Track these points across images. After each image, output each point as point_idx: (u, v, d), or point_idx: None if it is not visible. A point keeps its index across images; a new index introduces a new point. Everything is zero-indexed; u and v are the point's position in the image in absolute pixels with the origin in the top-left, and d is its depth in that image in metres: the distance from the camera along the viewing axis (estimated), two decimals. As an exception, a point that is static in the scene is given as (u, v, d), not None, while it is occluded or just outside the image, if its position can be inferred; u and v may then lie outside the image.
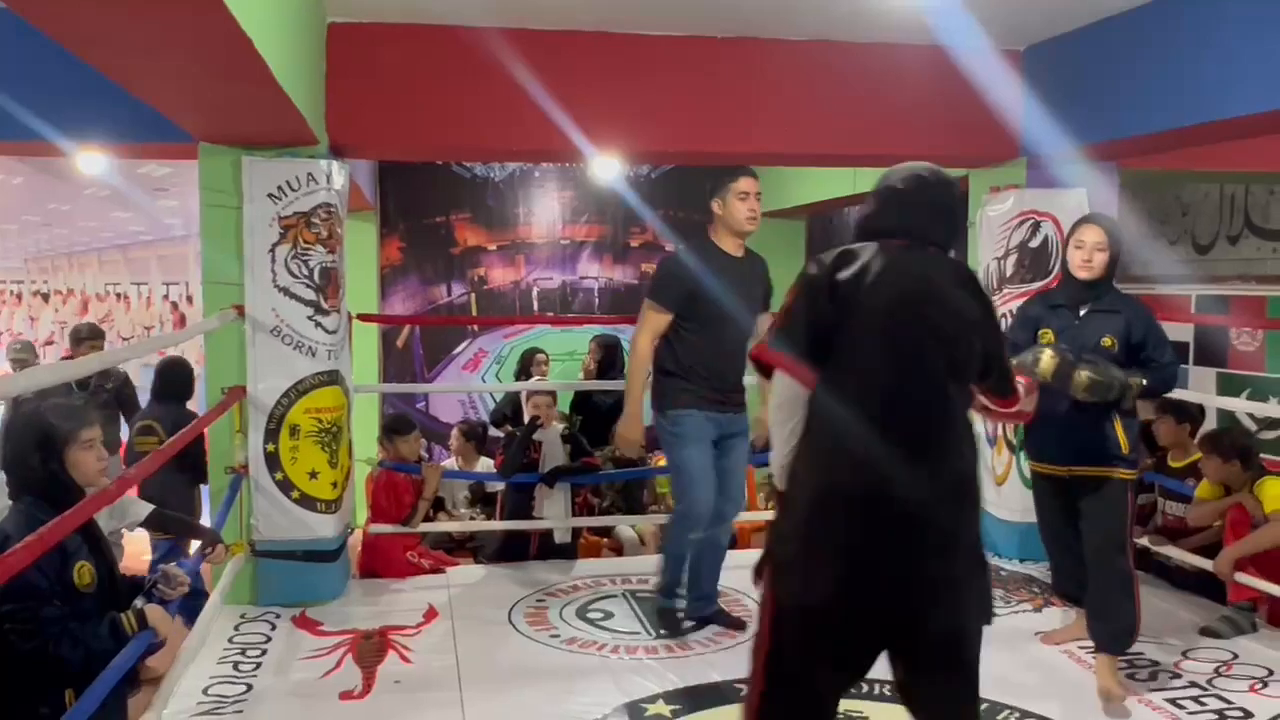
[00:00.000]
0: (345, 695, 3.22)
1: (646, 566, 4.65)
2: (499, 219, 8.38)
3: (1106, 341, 3.19)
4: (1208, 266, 7.41)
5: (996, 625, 3.82)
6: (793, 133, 4.58)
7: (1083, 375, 3.08)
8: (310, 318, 3.94)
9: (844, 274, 2.12)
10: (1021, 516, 4.57)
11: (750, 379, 3.67)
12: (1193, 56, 3.71)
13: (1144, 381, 3.16)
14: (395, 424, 4.88)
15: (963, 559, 2.12)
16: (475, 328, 8.44)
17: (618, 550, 5.29)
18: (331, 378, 4.01)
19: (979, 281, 2.29)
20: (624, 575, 4.49)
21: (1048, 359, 3.10)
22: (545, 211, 8.38)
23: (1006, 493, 4.63)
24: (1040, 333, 3.29)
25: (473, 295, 8.38)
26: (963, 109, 4.54)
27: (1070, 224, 4.52)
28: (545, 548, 4.71)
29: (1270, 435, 5.84)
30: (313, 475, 3.97)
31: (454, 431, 5.94)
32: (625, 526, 5.32)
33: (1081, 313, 3.27)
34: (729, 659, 3.51)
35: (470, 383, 8.37)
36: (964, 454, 2.15)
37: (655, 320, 3.55)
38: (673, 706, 3.15)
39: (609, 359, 6.26)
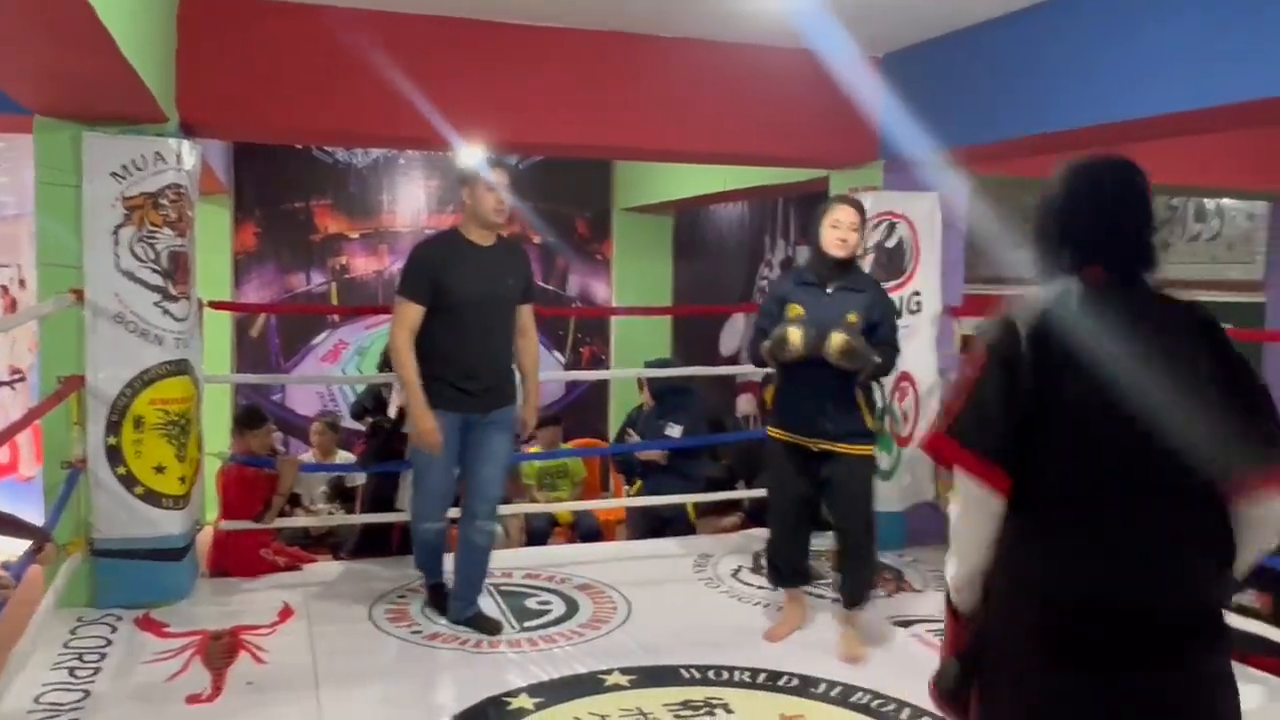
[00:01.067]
0: (193, 699, 3.08)
1: (511, 560, 4.63)
2: (361, 206, 8.17)
3: (851, 318, 3.35)
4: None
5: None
6: (660, 129, 4.61)
7: (837, 338, 3.26)
8: (157, 304, 3.75)
9: (1043, 339, 1.60)
10: (877, 505, 4.75)
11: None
12: (1040, 69, 3.92)
13: (878, 360, 3.36)
14: (247, 416, 4.70)
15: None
16: (336, 318, 8.20)
17: (491, 543, 5.22)
18: (180, 367, 3.82)
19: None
20: (492, 531, 4.42)
21: (794, 333, 3.30)
22: (410, 200, 8.21)
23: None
24: (789, 306, 3.43)
25: (333, 284, 8.14)
26: (825, 111, 4.67)
27: (925, 226, 4.79)
28: (407, 541, 4.62)
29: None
30: (159, 470, 3.78)
31: (314, 425, 5.75)
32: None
33: (829, 289, 3.43)
34: (592, 650, 3.53)
35: (330, 374, 8.13)
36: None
37: (408, 313, 3.44)
38: (536, 699, 3.14)
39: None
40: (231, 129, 4.91)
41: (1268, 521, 1.60)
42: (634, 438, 5.59)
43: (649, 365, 5.96)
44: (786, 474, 3.56)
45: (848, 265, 3.45)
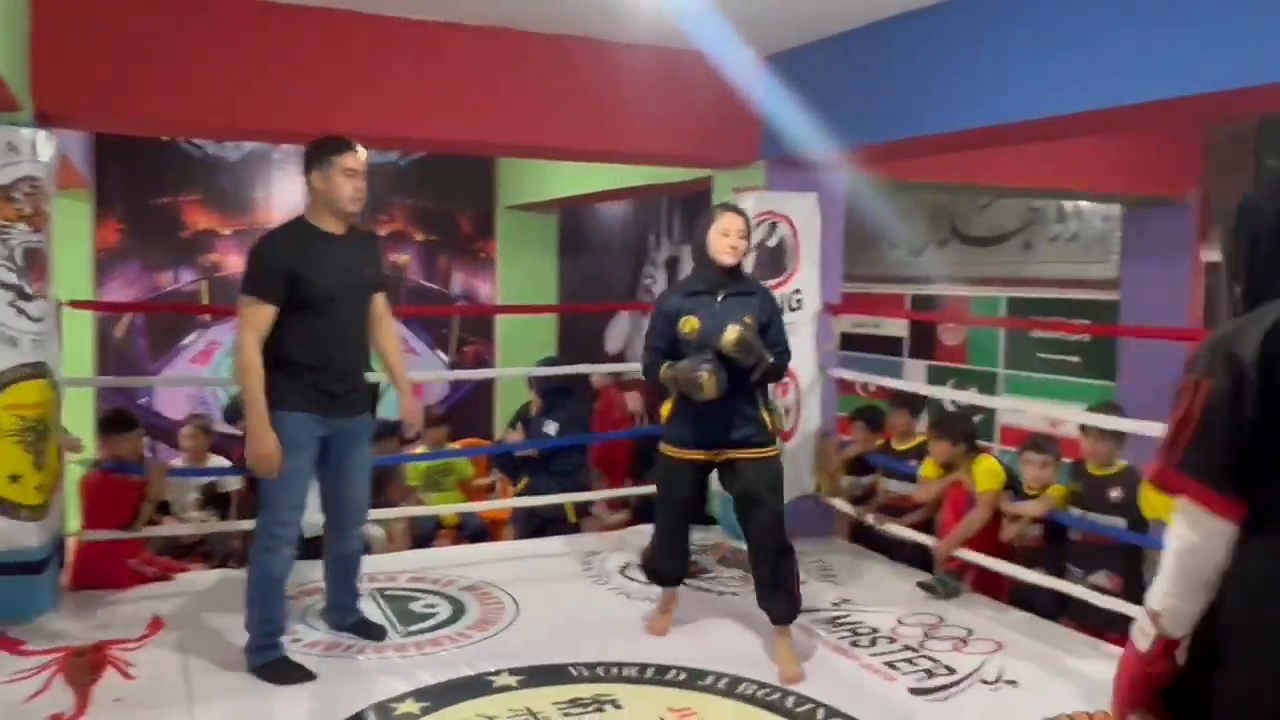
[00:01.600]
0: (55, 718, 2.92)
1: (396, 563, 4.54)
2: (234, 201, 7.87)
3: (748, 320, 3.33)
4: (919, 268, 8.15)
5: (732, 602, 4.02)
6: (539, 126, 4.58)
7: (732, 331, 3.22)
8: (12, 304, 3.53)
9: (1272, 362, 1.51)
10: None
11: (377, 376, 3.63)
12: (916, 74, 4.06)
13: (770, 359, 3.32)
14: (112, 421, 4.47)
15: None
16: (208, 318, 7.88)
17: (364, 548, 5.10)
18: (37, 370, 3.61)
19: None
20: (370, 574, 4.33)
21: (709, 381, 3.20)
22: (287, 195, 7.95)
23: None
24: (683, 320, 3.34)
25: (205, 283, 7.83)
26: (709, 111, 4.73)
27: (805, 225, 4.90)
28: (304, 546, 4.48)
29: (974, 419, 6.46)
30: (14, 479, 3.56)
31: (184, 429, 5.52)
32: (371, 524, 5.14)
33: (720, 297, 3.38)
34: (479, 652, 3.49)
35: (200, 376, 7.81)
36: None
37: (256, 315, 3.10)
38: (422, 704, 3.09)
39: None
40: (92, 119, 4.66)
41: None
42: (515, 435, 5.56)
43: (540, 364, 5.94)
44: (680, 488, 3.51)
45: (735, 271, 3.42)
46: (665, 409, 3.53)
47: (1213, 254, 6.17)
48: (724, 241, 3.36)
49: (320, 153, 3.21)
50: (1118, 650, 3.44)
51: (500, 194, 8.50)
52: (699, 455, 3.43)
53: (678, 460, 3.46)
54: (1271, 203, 1.63)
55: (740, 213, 3.43)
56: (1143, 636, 1.62)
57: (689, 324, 3.34)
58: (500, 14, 4.28)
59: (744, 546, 3.62)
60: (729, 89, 4.63)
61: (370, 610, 3.89)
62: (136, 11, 3.89)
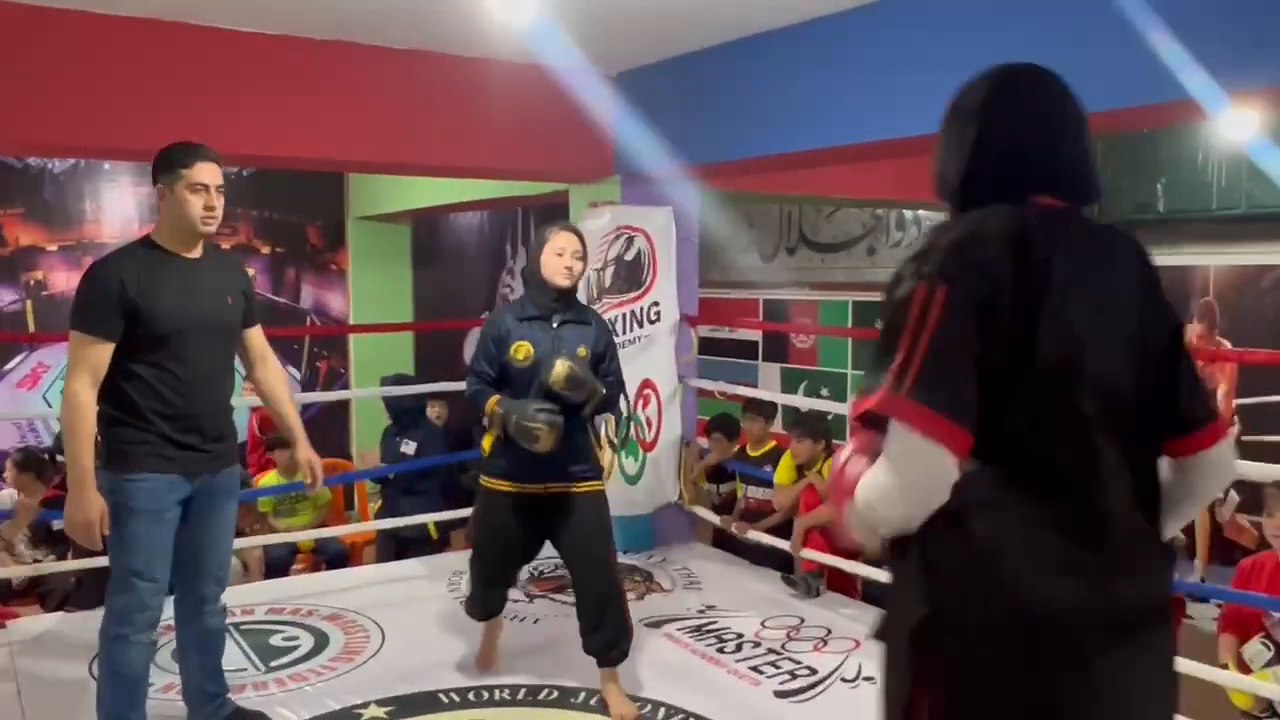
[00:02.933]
0: (-125, 792, 2.70)
1: (251, 595, 4.38)
2: (60, 215, 7.40)
3: (582, 352, 3.15)
4: (771, 273, 8.40)
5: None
6: (389, 141, 4.50)
7: (561, 366, 3.03)
8: None
9: (1003, 275, 1.33)
10: (624, 510, 4.90)
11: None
12: (758, 95, 4.19)
13: (603, 391, 3.14)
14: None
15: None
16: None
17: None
18: None
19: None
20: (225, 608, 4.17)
21: (547, 436, 3.01)
22: (119, 208, 7.53)
23: (611, 489, 4.90)
24: (515, 346, 3.14)
25: (29, 302, 7.33)
26: (561, 126, 4.75)
27: (661, 238, 4.98)
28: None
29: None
30: None
31: (8, 462, 5.16)
32: (225, 553, 4.94)
33: (555, 323, 3.18)
34: (345, 684, 3.41)
35: (26, 403, 7.31)
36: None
37: (89, 354, 2.62)
38: (287, 744, 3.00)
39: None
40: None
41: (1210, 474, 1.51)
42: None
43: (385, 382, 5.84)
44: (505, 527, 3.24)
45: (570, 295, 3.22)
46: (487, 441, 3.22)
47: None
48: (558, 262, 3.14)
49: (165, 163, 2.73)
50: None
51: (351, 204, 8.29)
52: (527, 489, 3.18)
53: (502, 494, 3.21)
54: (988, 96, 1.50)
55: (576, 232, 3.23)
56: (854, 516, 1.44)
57: (522, 350, 3.14)
58: (349, 29, 4.19)
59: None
60: (581, 105, 4.66)
61: (228, 648, 3.74)
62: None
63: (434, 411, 5.95)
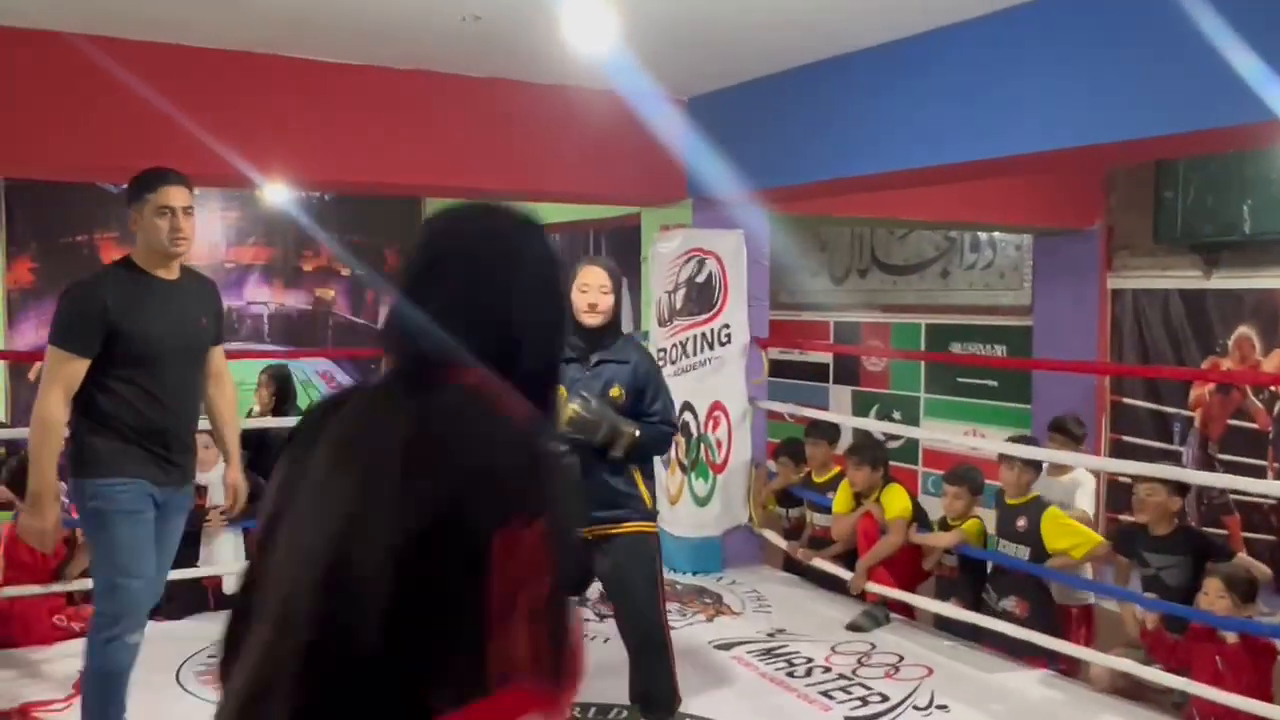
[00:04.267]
0: (-22, 787, 2.83)
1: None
2: (153, 239, 7.71)
3: (615, 392, 2.99)
4: (842, 296, 8.36)
5: (676, 636, 4.05)
6: (465, 167, 4.61)
7: (568, 409, 2.89)
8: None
9: None
10: (694, 532, 4.92)
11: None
12: (833, 118, 4.21)
13: (636, 433, 2.96)
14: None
15: None
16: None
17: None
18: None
19: None
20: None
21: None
22: (207, 231, 7.82)
23: (680, 511, 4.94)
24: None
25: (122, 322, 7.64)
26: (634, 152, 4.82)
27: (732, 261, 5.01)
28: (222, 597, 4.40)
29: (893, 446, 6.64)
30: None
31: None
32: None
33: (593, 362, 3.03)
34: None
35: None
36: None
37: (67, 370, 2.71)
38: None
39: (283, 391, 5.96)
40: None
41: None
42: None
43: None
44: None
45: (604, 332, 3.04)
46: None
47: (1119, 281, 6.46)
48: (581, 299, 2.98)
49: (135, 188, 2.83)
50: (1037, 672, 3.64)
51: (427, 228, 8.48)
52: None
53: None
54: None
55: (603, 265, 3.06)
56: None
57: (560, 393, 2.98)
58: (429, 59, 4.32)
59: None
60: (654, 130, 4.72)
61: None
62: (38, 61, 3.82)
63: None
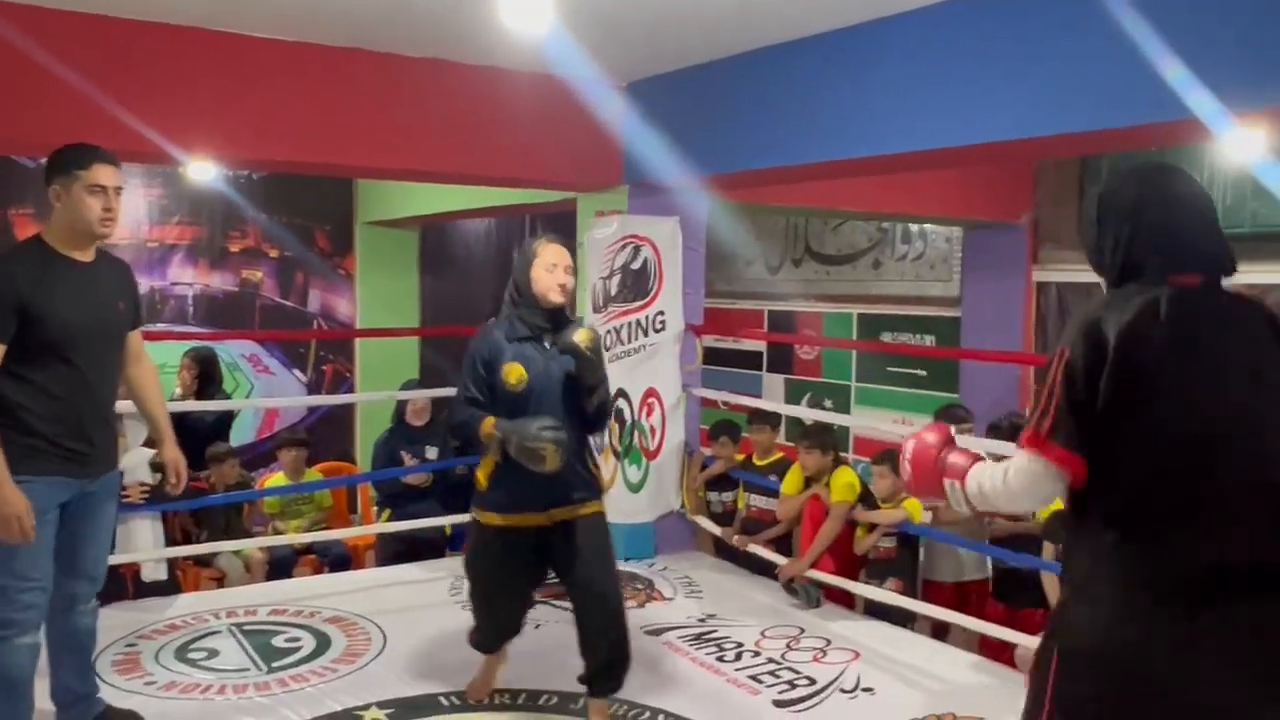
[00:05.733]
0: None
1: (255, 596, 4.40)
2: (72, 216, 7.45)
3: (573, 372, 3.03)
4: (776, 285, 8.43)
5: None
6: (399, 148, 4.53)
7: (588, 331, 2.98)
8: None
9: (1112, 344, 1.63)
10: (627, 518, 4.92)
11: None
12: (773, 106, 4.21)
13: (608, 386, 3.11)
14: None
15: None
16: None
17: (220, 581, 4.94)
18: None
19: None
20: (229, 608, 4.21)
21: (554, 454, 2.88)
22: (129, 209, 7.53)
23: (613, 497, 4.92)
24: (507, 369, 2.97)
25: (38, 301, 7.37)
26: (571, 136, 4.79)
27: (667, 248, 5.00)
28: (140, 585, 4.28)
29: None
30: None
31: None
32: (229, 554, 4.97)
33: (547, 344, 3.02)
34: (346, 686, 3.43)
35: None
36: None
37: None
38: (289, 744, 3.02)
39: (207, 374, 5.82)
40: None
41: None
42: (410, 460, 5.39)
43: (403, 388, 5.85)
44: (510, 569, 3.13)
45: (561, 312, 3.06)
46: (483, 471, 3.05)
47: (1044, 274, 6.61)
48: (550, 278, 2.99)
49: (60, 164, 2.68)
50: (964, 655, 3.74)
51: (359, 209, 8.33)
52: (532, 520, 3.05)
53: (502, 530, 3.06)
54: (1134, 190, 1.78)
55: (564, 245, 3.10)
56: (955, 501, 1.88)
57: (514, 373, 2.97)
58: (363, 36, 4.23)
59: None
60: (592, 115, 4.69)
61: (229, 646, 3.77)
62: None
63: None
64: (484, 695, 3.35)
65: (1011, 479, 1.72)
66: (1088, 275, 6.50)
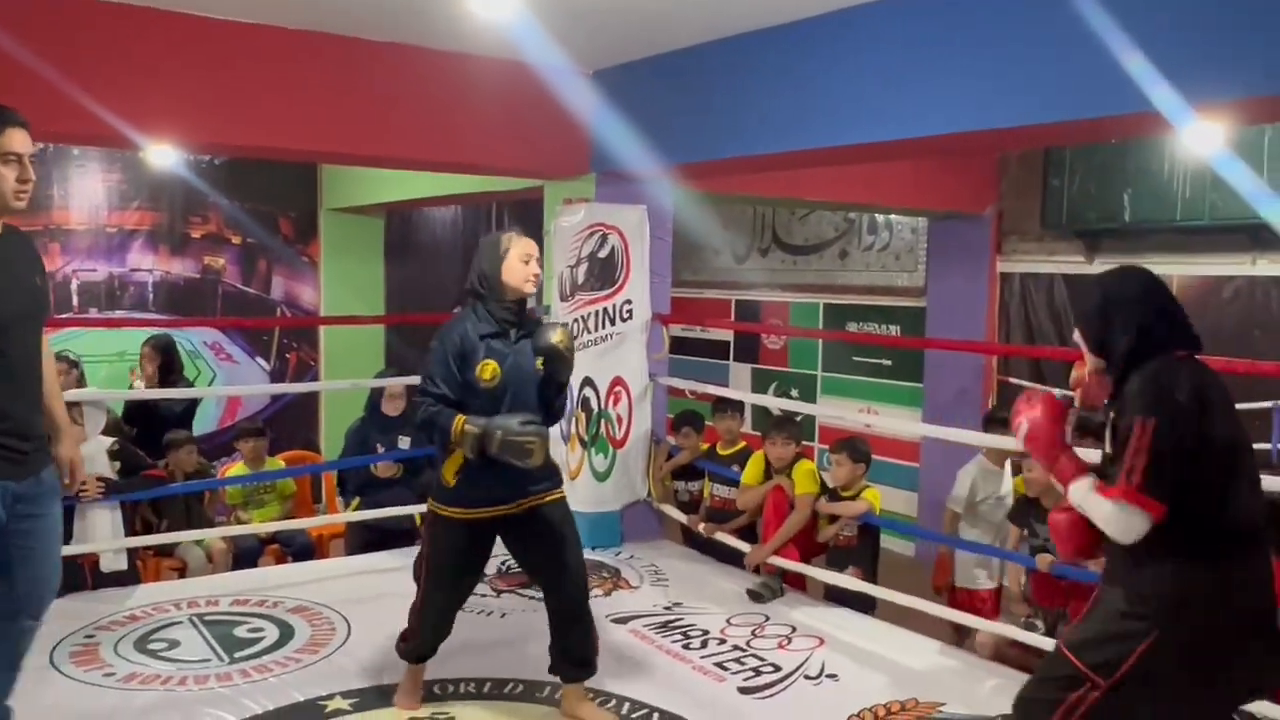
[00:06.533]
0: None
1: (218, 586, 4.36)
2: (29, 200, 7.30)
3: (540, 365, 3.01)
4: (744, 274, 8.45)
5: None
6: (363, 134, 4.48)
7: (559, 332, 2.97)
8: None
9: (1198, 398, 2.12)
10: (593, 507, 4.93)
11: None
12: (741, 96, 4.21)
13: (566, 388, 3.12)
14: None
15: None
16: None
17: (181, 571, 4.87)
18: None
19: None
20: (190, 599, 4.16)
21: (539, 448, 2.89)
22: (87, 195, 7.45)
23: (580, 486, 4.93)
24: (481, 365, 2.92)
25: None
26: (538, 123, 4.76)
27: (635, 237, 5.00)
28: (101, 575, 4.22)
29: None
30: None
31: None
32: (190, 544, 4.91)
33: (513, 337, 2.99)
34: (310, 676, 3.41)
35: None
36: None
37: None
38: (251, 734, 3.00)
39: (168, 363, 5.74)
40: None
41: None
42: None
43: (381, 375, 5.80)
44: (467, 560, 3.09)
45: (524, 304, 3.04)
46: (450, 468, 2.99)
47: (1008, 265, 6.68)
48: (525, 270, 2.95)
49: None
50: (926, 641, 3.78)
51: (324, 196, 8.25)
52: (500, 511, 3.02)
53: (466, 522, 3.02)
54: (1139, 287, 2.26)
55: (531, 238, 3.06)
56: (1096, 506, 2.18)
57: (489, 369, 2.92)
58: (327, 20, 4.17)
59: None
60: (558, 102, 4.67)
61: (190, 637, 3.74)
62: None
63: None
64: (416, 704, 3.19)
65: (1111, 518, 2.13)
66: (1049, 266, 6.59)
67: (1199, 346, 2.24)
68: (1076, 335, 2.36)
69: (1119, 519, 2.12)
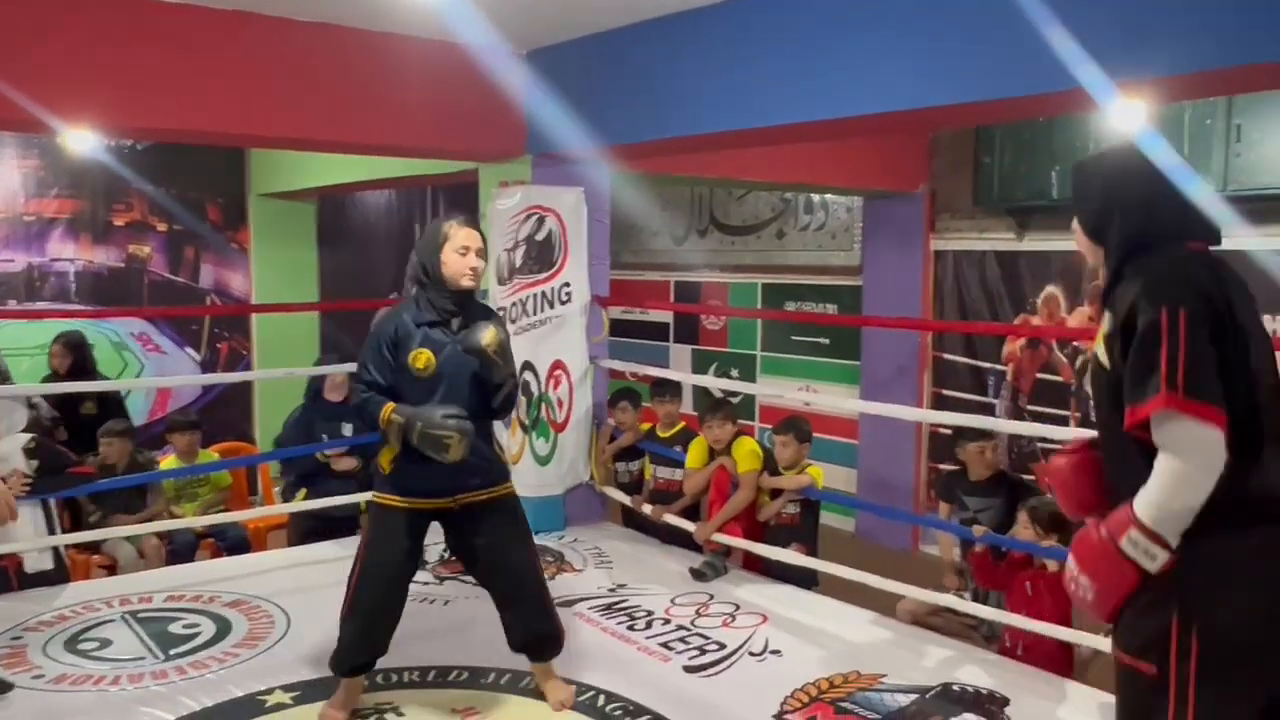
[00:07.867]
0: None
1: (151, 582, 4.26)
2: (-62, 188, 7.03)
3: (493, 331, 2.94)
4: (682, 256, 8.46)
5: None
6: (294, 117, 4.38)
7: (491, 332, 2.86)
8: None
9: (1225, 296, 1.76)
10: (536, 491, 4.90)
11: None
12: (674, 76, 4.19)
13: (515, 380, 3.06)
14: None
15: None
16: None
17: (111, 568, 4.75)
18: None
19: None
20: (122, 596, 4.06)
21: (459, 445, 2.82)
22: (3, 182, 7.16)
23: (522, 470, 4.90)
24: (414, 354, 2.90)
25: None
26: (472, 105, 4.69)
27: (572, 219, 4.96)
28: (25, 576, 4.09)
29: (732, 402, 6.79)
30: None
31: None
32: (121, 540, 4.78)
33: (454, 326, 2.95)
34: (249, 671, 3.35)
35: None
36: None
37: None
38: (188, 732, 2.94)
39: (79, 361, 5.57)
40: None
41: None
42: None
43: (321, 362, 5.69)
44: (403, 551, 2.99)
45: (470, 296, 2.99)
46: (386, 455, 2.95)
47: (941, 243, 6.78)
48: (461, 262, 2.91)
49: None
50: (865, 614, 3.85)
51: (252, 181, 8.05)
52: (437, 503, 2.99)
53: (403, 512, 2.97)
54: (1144, 168, 1.91)
55: (476, 228, 2.99)
56: (1149, 558, 1.70)
57: (422, 357, 2.89)
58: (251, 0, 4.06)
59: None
60: (492, 83, 4.61)
61: (123, 635, 3.65)
62: None
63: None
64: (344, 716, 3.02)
65: (1193, 461, 1.65)
66: (982, 244, 6.70)
67: (1217, 238, 1.86)
68: (1074, 224, 2.01)
69: (1183, 445, 1.64)
